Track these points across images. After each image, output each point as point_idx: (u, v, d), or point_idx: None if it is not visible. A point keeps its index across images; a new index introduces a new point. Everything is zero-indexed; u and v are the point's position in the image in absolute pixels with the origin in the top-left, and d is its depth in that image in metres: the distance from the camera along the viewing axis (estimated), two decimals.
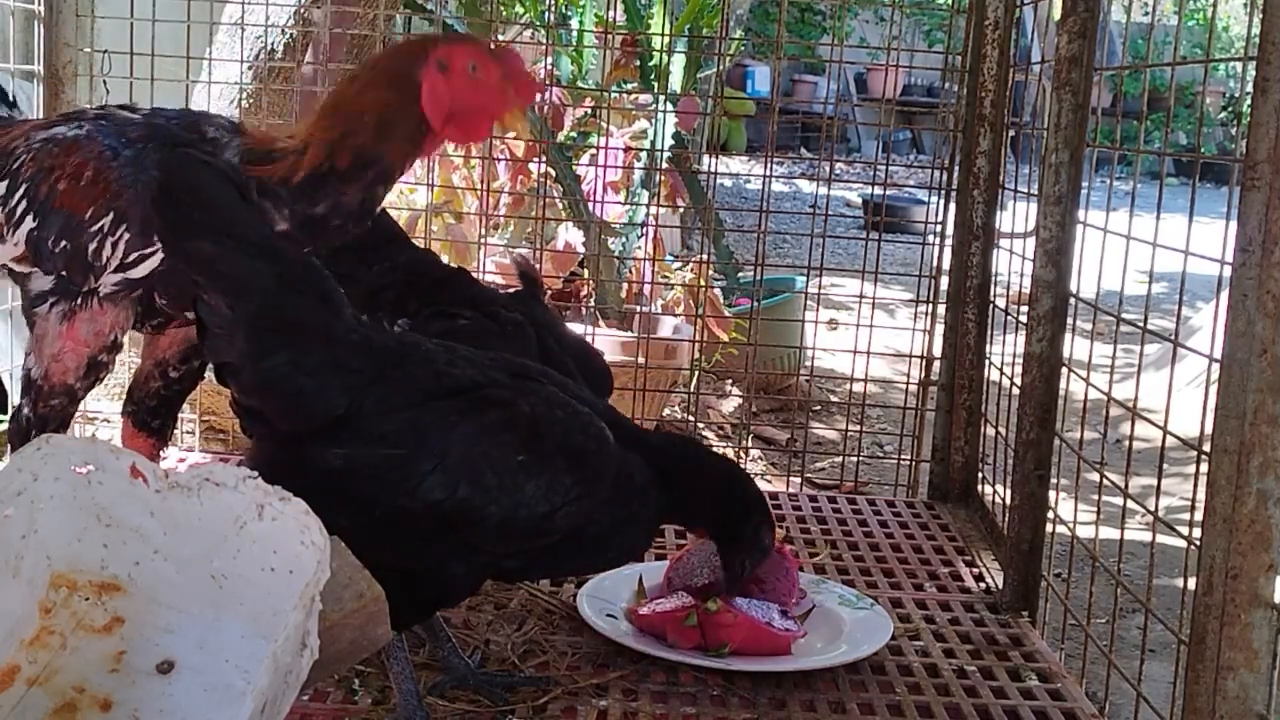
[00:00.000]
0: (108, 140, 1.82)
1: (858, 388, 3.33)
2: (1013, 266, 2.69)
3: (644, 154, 4.02)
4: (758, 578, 2.13)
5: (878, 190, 3.27)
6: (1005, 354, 2.66)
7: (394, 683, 1.71)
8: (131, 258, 1.78)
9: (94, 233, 1.78)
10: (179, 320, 1.90)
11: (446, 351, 1.72)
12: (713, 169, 3.28)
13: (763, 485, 3.62)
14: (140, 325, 1.91)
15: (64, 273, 1.83)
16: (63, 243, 1.80)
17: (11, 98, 2.17)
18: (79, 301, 1.83)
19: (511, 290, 2.30)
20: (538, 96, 1.88)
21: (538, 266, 3.12)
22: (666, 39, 4.43)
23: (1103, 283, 2.19)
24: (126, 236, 1.77)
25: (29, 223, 1.84)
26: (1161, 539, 1.92)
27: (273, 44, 3.16)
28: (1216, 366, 1.52)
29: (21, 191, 1.84)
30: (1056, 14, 2.26)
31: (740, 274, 4.64)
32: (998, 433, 2.71)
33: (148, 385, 2.03)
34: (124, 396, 2.09)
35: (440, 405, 1.62)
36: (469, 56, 1.77)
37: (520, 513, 1.61)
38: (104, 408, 3.14)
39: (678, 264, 4.53)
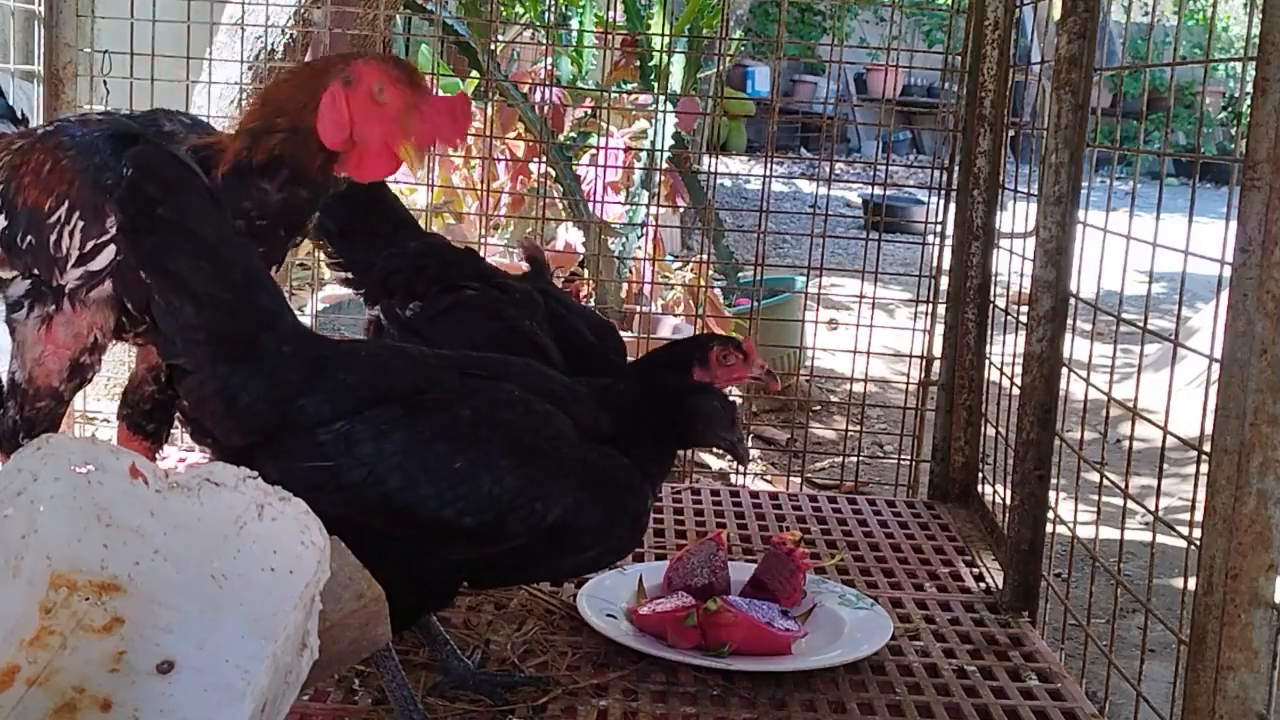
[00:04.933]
0: (67, 133, 1.84)
1: (858, 388, 3.33)
2: (1013, 266, 2.68)
3: (644, 154, 4.02)
4: (761, 579, 2.14)
5: (878, 190, 3.27)
6: (1005, 354, 2.66)
7: (388, 691, 1.70)
8: (88, 247, 1.77)
9: (52, 224, 1.78)
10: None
11: (394, 355, 1.72)
12: (713, 169, 3.29)
13: (762, 485, 3.63)
14: (125, 333, 1.90)
15: (35, 271, 1.82)
16: (29, 238, 1.81)
17: (20, 114, 2.19)
18: (54, 305, 1.83)
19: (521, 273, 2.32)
20: (441, 147, 1.79)
21: None
22: (666, 39, 4.44)
23: (1103, 283, 2.19)
24: (81, 224, 1.76)
25: (2, 222, 1.85)
26: (1161, 539, 1.92)
27: (273, 44, 3.16)
28: (1216, 366, 1.52)
29: None
30: (1056, 14, 2.26)
31: (740, 274, 4.64)
32: (998, 433, 2.71)
33: (141, 390, 2.03)
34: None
35: (375, 414, 1.61)
36: (380, 79, 1.70)
37: (465, 520, 1.60)
38: (104, 408, 3.14)
39: (678, 264, 4.53)
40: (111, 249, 1.76)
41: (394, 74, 1.70)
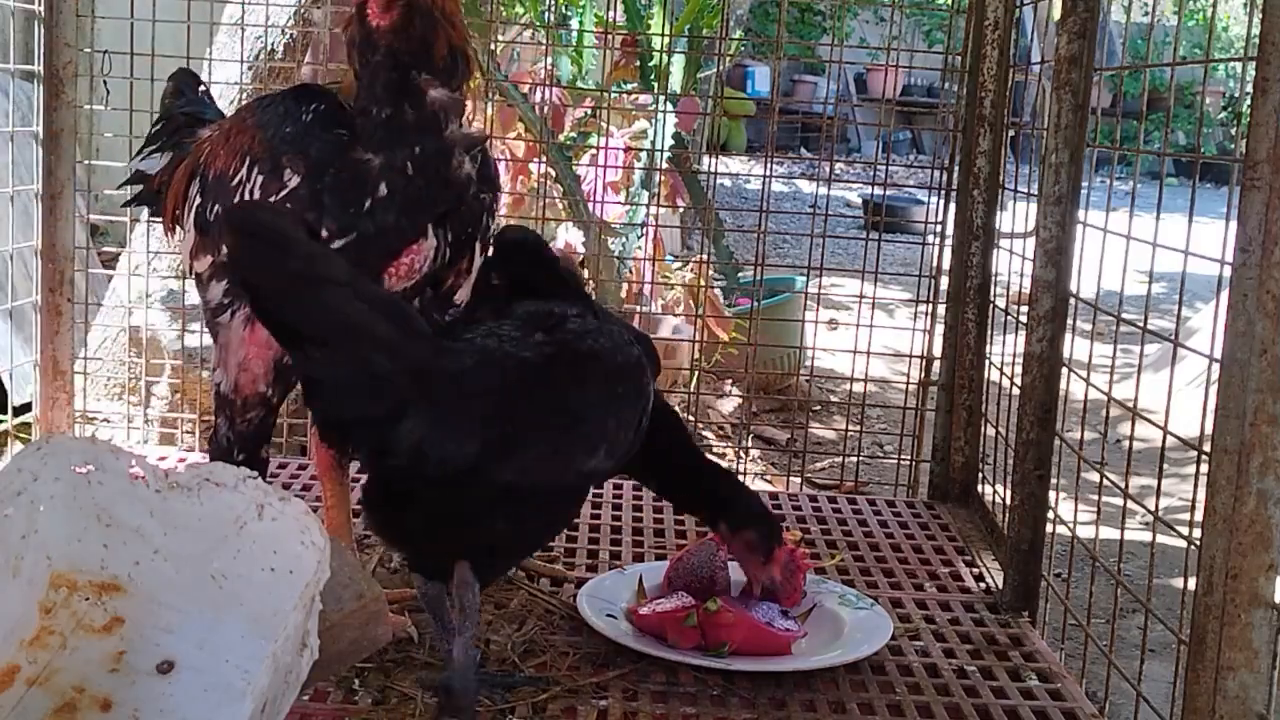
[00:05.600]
0: (259, 99, 1.82)
1: (858, 388, 3.33)
2: (1013, 266, 2.68)
3: (644, 154, 4.02)
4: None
5: (878, 190, 3.27)
6: (1005, 354, 2.66)
7: (461, 627, 1.67)
8: (270, 201, 1.68)
9: (235, 186, 1.71)
10: None
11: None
12: (713, 169, 3.28)
13: (762, 485, 3.63)
14: None
15: (224, 248, 1.73)
16: (215, 206, 1.74)
17: (203, 94, 2.18)
18: None
19: None
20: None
21: None
22: (666, 39, 4.43)
23: (1103, 283, 2.19)
24: (260, 179, 1.68)
25: (195, 201, 1.79)
26: (1161, 539, 1.92)
27: (273, 44, 3.16)
28: (1216, 366, 1.52)
29: (195, 182, 1.82)
30: (1056, 14, 2.26)
31: (740, 274, 4.64)
32: (998, 433, 2.71)
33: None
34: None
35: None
36: None
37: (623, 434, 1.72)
38: (104, 408, 3.14)
39: (678, 264, 4.53)
40: (289, 208, 1.67)
41: None
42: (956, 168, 2.94)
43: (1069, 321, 2.22)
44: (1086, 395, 2.31)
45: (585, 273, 3.99)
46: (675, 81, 4.67)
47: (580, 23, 4.94)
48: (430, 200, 1.69)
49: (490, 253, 1.84)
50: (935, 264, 2.99)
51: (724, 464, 2.18)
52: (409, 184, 1.67)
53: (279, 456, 2.88)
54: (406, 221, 1.69)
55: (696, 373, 3.57)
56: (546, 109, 3.92)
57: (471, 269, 1.79)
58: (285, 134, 1.69)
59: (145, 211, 2.61)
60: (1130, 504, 2.03)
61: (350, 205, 1.66)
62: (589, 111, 4.52)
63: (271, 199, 1.66)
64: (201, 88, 2.22)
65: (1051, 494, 2.24)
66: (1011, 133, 2.89)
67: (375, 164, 1.66)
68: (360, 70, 1.67)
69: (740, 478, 2.20)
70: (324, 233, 1.66)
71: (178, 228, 1.94)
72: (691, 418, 3.46)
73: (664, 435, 1.91)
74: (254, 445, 1.80)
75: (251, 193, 1.68)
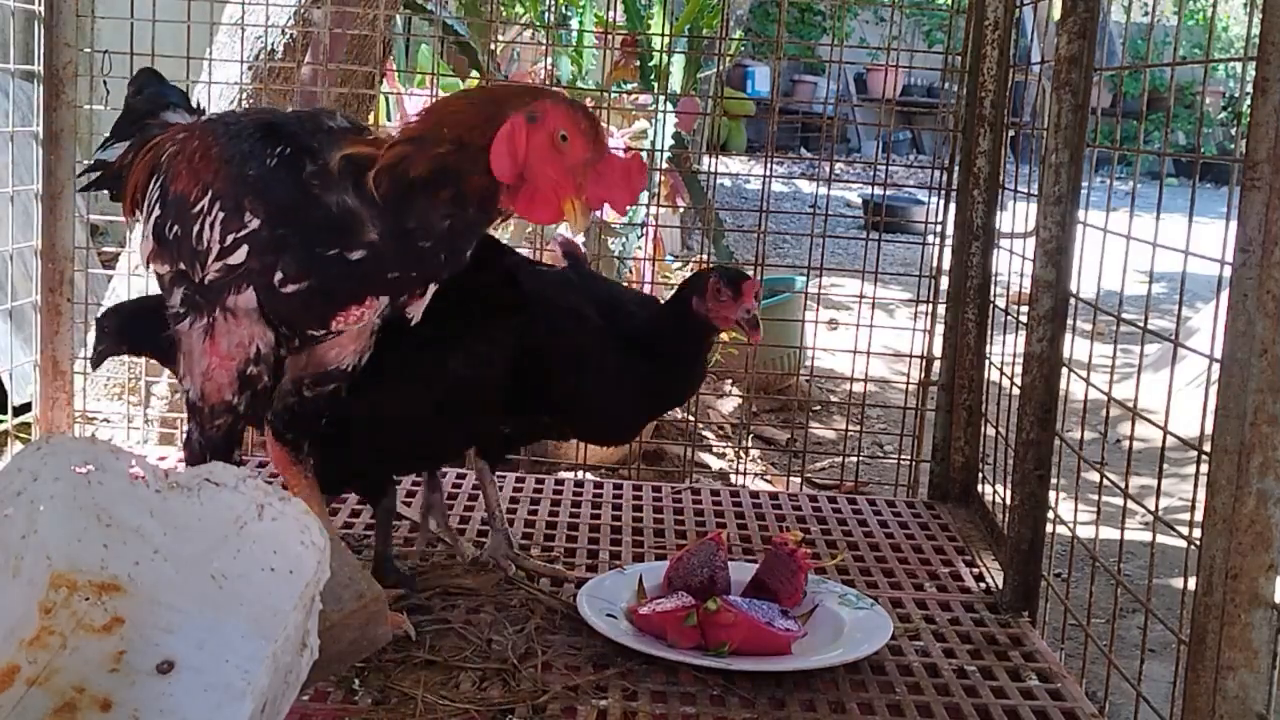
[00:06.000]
0: (224, 121, 1.79)
1: (857, 388, 3.33)
2: (1013, 266, 2.68)
3: (644, 154, 4.02)
4: (761, 579, 2.14)
5: (878, 190, 3.27)
6: (1005, 354, 2.66)
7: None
8: (228, 241, 1.67)
9: (195, 215, 1.70)
10: (312, 339, 1.80)
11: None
12: (713, 169, 3.28)
13: (762, 485, 3.63)
14: (290, 343, 1.80)
15: (181, 264, 1.75)
16: (175, 228, 1.74)
17: (197, 103, 2.17)
18: (210, 316, 1.74)
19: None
20: (613, 214, 1.67)
21: None
22: (666, 39, 4.44)
23: (1103, 283, 2.19)
24: (221, 216, 1.68)
25: (156, 211, 1.79)
26: (1161, 539, 1.92)
27: (273, 44, 3.15)
28: (1216, 366, 1.52)
29: (156, 183, 1.82)
30: (1056, 14, 2.26)
31: None
32: (998, 433, 2.71)
33: (284, 399, 1.93)
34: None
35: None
36: (565, 125, 1.60)
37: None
38: (103, 407, 3.14)
39: (678, 264, 4.53)
40: (246, 247, 1.67)
41: (581, 125, 1.61)
42: (956, 168, 2.94)
43: (1069, 321, 2.22)
44: (1086, 395, 2.31)
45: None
46: (675, 81, 4.67)
47: (580, 23, 4.94)
48: (404, 271, 1.70)
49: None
50: (935, 264, 2.99)
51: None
52: (385, 262, 1.67)
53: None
54: (369, 285, 1.71)
55: None
56: None
57: (427, 294, 1.78)
58: (248, 176, 1.68)
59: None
60: (1130, 504, 2.03)
61: (313, 254, 1.66)
62: None
63: (230, 237, 1.68)
64: (167, 86, 2.21)
65: (1051, 494, 2.24)
66: (1011, 133, 2.89)
67: (370, 237, 1.65)
68: (398, 174, 1.63)
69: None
70: (279, 275, 1.66)
71: (135, 217, 1.95)
72: (691, 418, 3.46)
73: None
74: (225, 450, 1.80)
75: (211, 226, 1.69)
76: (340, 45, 3.18)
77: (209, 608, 1.59)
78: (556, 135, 1.61)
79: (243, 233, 1.67)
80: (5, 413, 3.12)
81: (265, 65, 3.15)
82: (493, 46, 3.49)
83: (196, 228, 1.70)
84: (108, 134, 2.13)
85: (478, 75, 4.22)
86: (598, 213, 1.83)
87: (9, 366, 3.17)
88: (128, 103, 2.16)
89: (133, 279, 3.20)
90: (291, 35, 3.15)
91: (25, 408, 3.05)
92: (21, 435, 2.99)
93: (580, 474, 3.06)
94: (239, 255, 1.67)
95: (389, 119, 4.06)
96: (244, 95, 3.12)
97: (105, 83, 2.89)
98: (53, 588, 1.61)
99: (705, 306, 2.11)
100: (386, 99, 4.11)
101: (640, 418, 2.35)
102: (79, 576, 1.62)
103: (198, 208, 1.70)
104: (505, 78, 4.03)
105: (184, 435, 1.87)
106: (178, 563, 1.60)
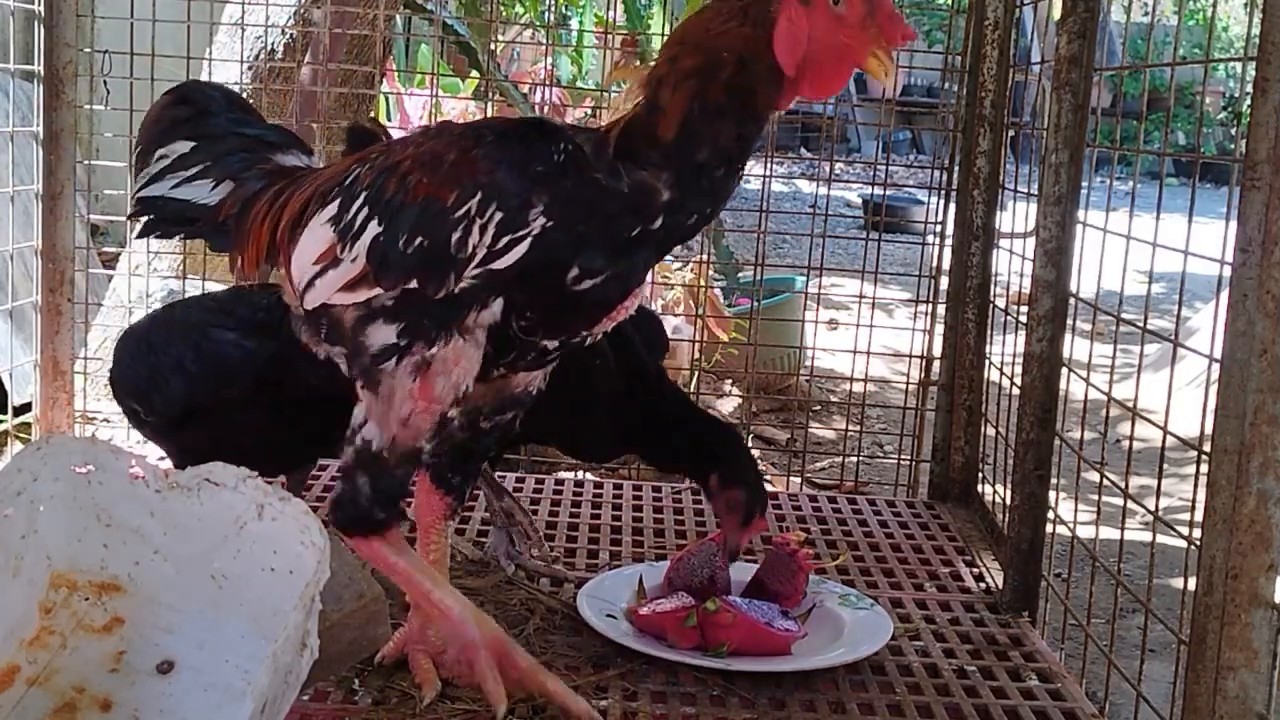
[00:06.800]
0: (465, 129, 1.66)
1: (858, 388, 3.33)
2: (1013, 266, 2.68)
3: None
4: (762, 579, 2.13)
5: (878, 190, 3.26)
6: (1005, 354, 2.66)
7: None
8: (502, 242, 1.56)
9: (458, 219, 1.56)
10: (527, 361, 1.72)
11: None
12: None
13: None
14: (490, 369, 1.70)
15: (413, 282, 1.59)
16: (418, 239, 1.58)
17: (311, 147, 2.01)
18: (434, 348, 1.61)
19: None
20: (899, 40, 1.58)
21: None
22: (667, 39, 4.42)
23: (1103, 283, 2.19)
24: (499, 216, 1.55)
25: (372, 230, 1.61)
26: (1161, 539, 1.92)
27: (273, 44, 3.16)
28: (1216, 366, 1.52)
29: (361, 200, 1.64)
30: (1056, 14, 2.26)
31: (740, 274, 4.64)
32: (998, 433, 2.71)
33: (452, 438, 1.78)
34: None
35: None
36: None
37: None
38: (104, 407, 3.14)
39: (678, 264, 4.53)
40: (524, 246, 1.56)
41: None
42: (956, 168, 2.94)
43: (1069, 321, 2.22)
44: (1086, 395, 2.31)
45: None
46: None
47: (580, 23, 4.95)
48: (702, 210, 1.63)
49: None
50: (935, 264, 2.99)
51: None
52: (685, 211, 1.60)
53: None
54: (668, 243, 1.66)
55: (696, 373, 3.57)
56: (546, 109, 3.92)
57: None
58: (535, 172, 1.57)
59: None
60: (1130, 504, 2.02)
61: (616, 242, 1.60)
62: (589, 111, 4.51)
63: (505, 238, 1.56)
64: (255, 117, 2.02)
65: (1051, 494, 2.24)
66: (1011, 133, 2.89)
67: (664, 197, 1.58)
68: (694, 110, 1.56)
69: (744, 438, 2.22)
70: (574, 272, 1.58)
71: (256, 271, 1.81)
72: None
73: (657, 389, 2.08)
74: (398, 499, 1.68)
75: (484, 228, 1.56)
76: (340, 45, 3.18)
77: (209, 608, 1.59)
78: (830, 2, 1.54)
79: (522, 231, 1.57)
80: (5, 413, 3.12)
81: (265, 65, 3.15)
82: (493, 46, 3.50)
83: (458, 233, 1.57)
84: (178, 160, 1.90)
85: (478, 75, 4.23)
86: None
87: (9, 366, 3.17)
88: (196, 126, 1.92)
89: (133, 279, 3.20)
90: (291, 35, 3.15)
91: (25, 408, 3.05)
92: (21, 435, 2.99)
93: (580, 474, 3.06)
94: (510, 258, 1.57)
95: (389, 119, 4.06)
96: (243, 95, 3.12)
97: (105, 83, 2.89)
98: (53, 588, 1.61)
99: (712, 498, 2.07)
100: (386, 99, 4.12)
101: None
102: (79, 576, 1.62)
103: (461, 211, 1.57)
104: (505, 78, 4.03)
105: (338, 491, 1.69)
106: (178, 563, 1.60)
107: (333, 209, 1.67)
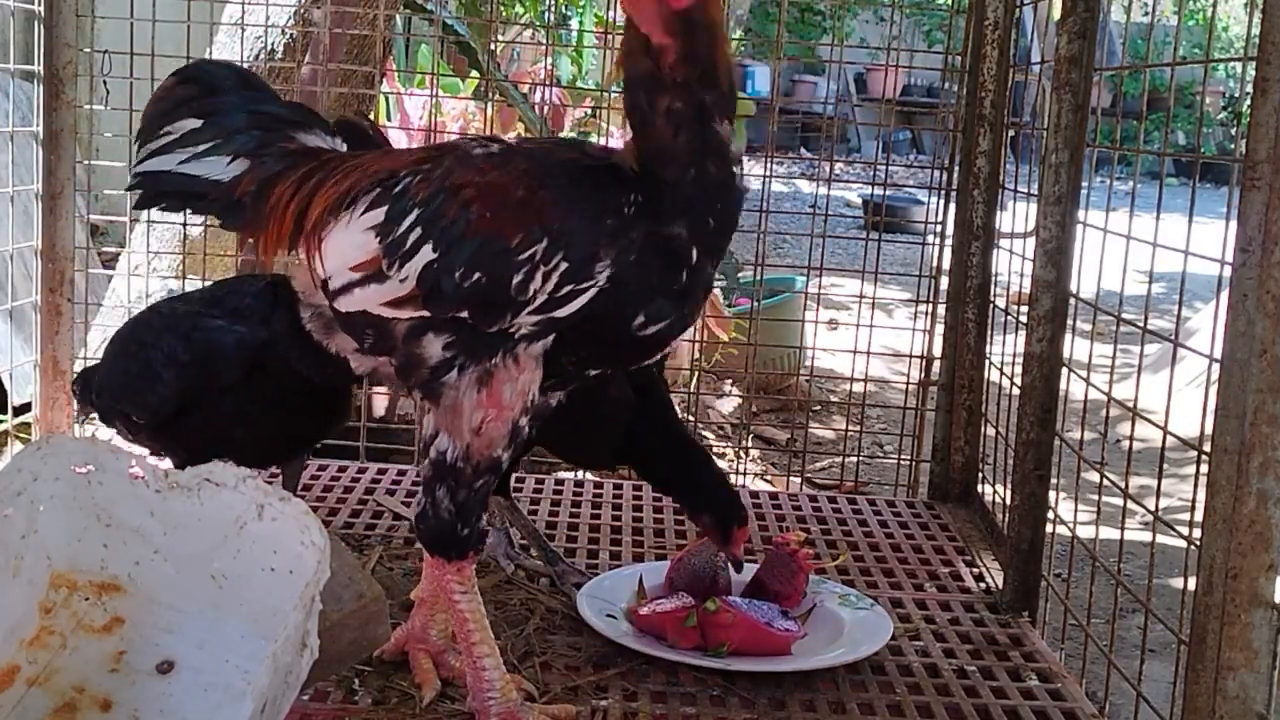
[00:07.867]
0: (531, 160, 1.59)
1: (857, 388, 3.33)
2: (1013, 266, 2.68)
3: None
4: (762, 579, 2.13)
5: (878, 190, 3.26)
6: (1005, 354, 2.66)
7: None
8: (564, 291, 1.52)
9: (521, 262, 1.51)
10: (567, 384, 1.70)
11: None
12: None
13: (762, 485, 3.63)
14: (546, 391, 1.68)
15: (465, 314, 1.56)
16: (476, 274, 1.53)
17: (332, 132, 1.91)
18: (491, 360, 1.57)
19: None
20: None
21: None
22: None
23: (1103, 283, 2.19)
24: (565, 266, 1.51)
25: (426, 253, 1.55)
26: (1161, 539, 1.92)
27: (273, 44, 3.16)
28: (1216, 366, 1.52)
29: (414, 217, 1.57)
30: (1056, 14, 2.26)
31: (740, 274, 4.64)
32: (998, 433, 2.71)
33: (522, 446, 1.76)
34: None
35: None
36: None
37: None
38: None
39: None
40: (587, 298, 1.52)
41: None
42: (956, 168, 2.94)
43: (1069, 321, 2.22)
44: (1086, 395, 2.31)
45: None
46: None
47: (580, 23, 4.94)
48: (721, 229, 1.59)
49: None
50: (935, 264, 2.99)
51: (703, 447, 2.23)
52: (711, 248, 1.57)
53: None
54: (701, 291, 1.62)
55: (696, 373, 3.57)
56: (546, 109, 3.92)
57: None
58: (606, 225, 1.53)
59: (146, 212, 2.59)
60: (1130, 504, 2.03)
61: (670, 294, 1.57)
62: (589, 111, 4.52)
63: (568, 287, 1.53)
64: (268, 94, 1.97)
65: (1051, 494, 2.24)
66: (1011, 133, 2.89)
67: (683, 238, 1.55)
68: (645, 122, 1.52)
69: (718, 462, 2.21)
70: (639, 319, 1.56)
71: (286, 256, 1.77)
72: (691, 418, 3.46)
73: (648, 420, 2.07)
74: (479, 513, 1.65)
75: (548, 275, 1.52)
76: (340, 45, 3.18)
77: (209, 608, 1.59)
78: None
79: (587, 283, 1.53)
80: (5, 413, 3.12)
81: (265, 65, 3.15)
82: (493, 46, 3.49)
83: (519, 276, 1.52)
84: (187, 135, 1.84)
85: (478, 75, 4.23)
86: None
87: (9, 366, 3.17)
88: (203, 104, 1.87)
89: (133, 279, 3.20)
90: (291, 35, 3.15)
91: (25, 408, 3.05)
92: (21, 435, 2.99)
93: (580, 474, 3.06)
94: (570, 308, 1.53)
95: (389, 119, 4.06)
96: None
97: (105, 83, 2.89)
98: (53, 588, 1.61)
99: (718, 541, 2.07)
100: (386, 99, 4.11)
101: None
102: (79, 576, 1.62)
103: (525, 254, 1.52)
104: (505, 78, 4.02)
105: (419, 506, 1.66)
106: (178, 563, 1.60)
107: (377, 216, 1.61)
